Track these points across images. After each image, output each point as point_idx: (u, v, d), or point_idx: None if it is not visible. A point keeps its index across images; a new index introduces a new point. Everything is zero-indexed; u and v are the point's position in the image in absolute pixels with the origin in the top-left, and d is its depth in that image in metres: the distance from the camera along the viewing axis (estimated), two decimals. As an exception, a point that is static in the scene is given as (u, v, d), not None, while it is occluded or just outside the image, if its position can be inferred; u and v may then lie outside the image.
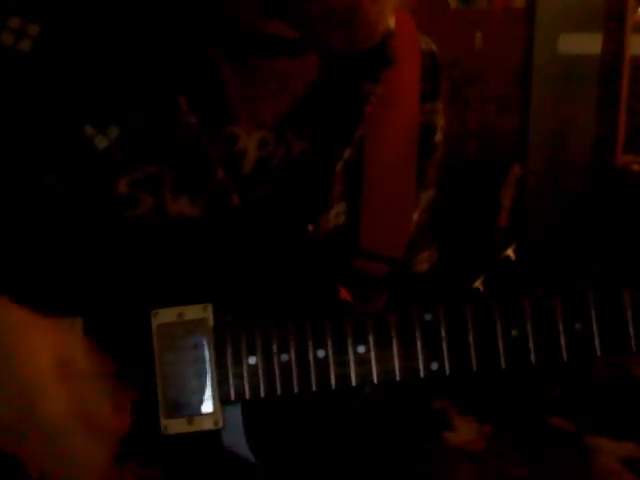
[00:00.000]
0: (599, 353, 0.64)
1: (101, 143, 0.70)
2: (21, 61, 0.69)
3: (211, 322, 0.67)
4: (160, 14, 0.71)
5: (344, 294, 0.72)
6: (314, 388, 0.65)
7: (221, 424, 0.66)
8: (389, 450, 0.90)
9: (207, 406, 0.66)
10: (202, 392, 0.66)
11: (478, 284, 1.03)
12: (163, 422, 0.66)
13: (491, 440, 2.31)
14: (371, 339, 0.65)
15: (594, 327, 0.64)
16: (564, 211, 3.42)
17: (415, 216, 0.89)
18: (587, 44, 3.35)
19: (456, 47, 3.47)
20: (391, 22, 0.79)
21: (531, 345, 0.64)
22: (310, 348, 0.65)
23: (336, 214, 0.79)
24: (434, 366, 0.65)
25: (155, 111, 0.70)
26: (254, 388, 0.65)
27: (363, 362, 0.65)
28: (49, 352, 0.61)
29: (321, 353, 0.65)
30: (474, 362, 0.65)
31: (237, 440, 0.67)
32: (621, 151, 3.41)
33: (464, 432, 2.32)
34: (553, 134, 3.47)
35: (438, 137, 0.89)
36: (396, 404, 0.91)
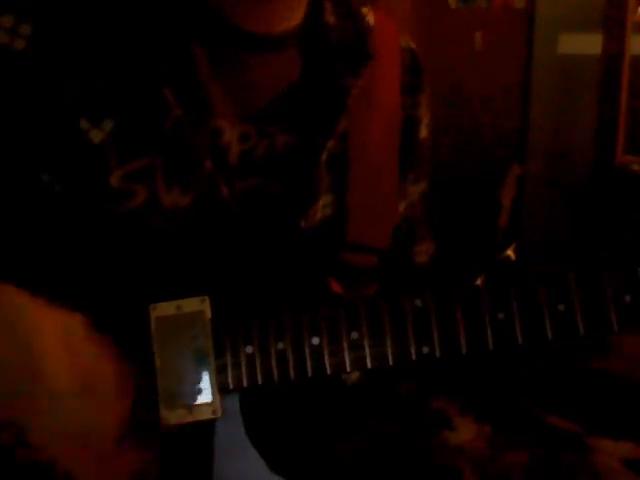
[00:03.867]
0: (582, 332, 0.66)
1: (96, 137, 0.71)
2: (16, 59, 0.70)
3: (208, 314, 0.67)
4: (146, 7, 0.72)
5: (334, 286, 0.73)
6: (310, 374, 0.66)
7: (220, 413, 0.66)
8: (389, 448, 0.91)
9: (206, 396, 0.67)
10: (201, 382, 0.67)
11: (478, 283, 1.04)
12: (163, 412, 0.66)
13: (491, 439, 2.31)
14: (364, 325, 0.67)
15: (576, 308, 0.66)
16: (564, 211, 3.43)
17: (401, 207, 0.91)
18: (587, 44, 3.36)
19: (456, 47, 3.48)
20: (370, 20, 0.83)
21: (517, 327, 0.66)
22: (305, 335, 0.66)
23: (323, 206, 0.80)
24: (425, 350, 0.66)
25: (143, 103, 0.71)
26: (252, 376, 0.66)
27: (357, 347, 0.66)
28: (51, 327, 0.63)
29: (316, 340, 0.66)
30: (463, 345, 0.66)
31: (235, 429, 0.68)
32: (621, 151, 3.41)
33: (464, 431, 2.33)
34: (553, 134, 3.48)
35: (423, 131, 0.91)
36: (396, 402, 0.92)
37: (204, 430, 0.67)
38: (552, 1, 3.38)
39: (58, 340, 0.63)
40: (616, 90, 3.35)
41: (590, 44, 3.36)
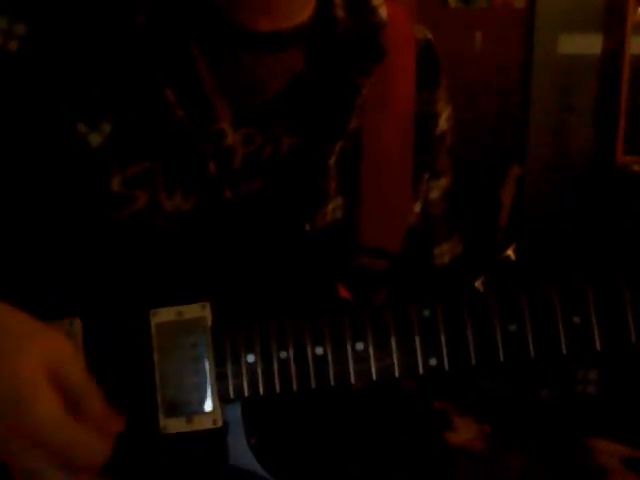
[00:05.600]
0: (599, 347, 0.63)
1: (95, 141, 0.69)
2: (9, 62, 0.69)
3: (209, 321, 0.66)
4: (144, 6, 0.71)
5: (343, 292, 0.72)
6: (313, 385, 0.65)
7: (220, 423, 0.65)
8: (390, 448, 0.90)
9: (206, 405, 0.66)
10: (201, 391, 0.65)
11: (478, 284, 1.02)
12: (162, 421, 0.65)
13: (491, 440, 2.31)
14: (369, 336, 0.65)
15: (593, 321, 0.63)
16: (564, 211, 3.42)
17: (416, 208, 0.88)
18: (587, 44, 3.35)
19: (456, 47, 3.47)
20: (383, 13, 0.79)
21: (530, 339, 0.64)
22: (309, 345, 0.65)
23: (333, 209, 0.78)
24: (433, 362, 0.64)
25: (144, 105, 0.70)
26: (253, 386, 0.65)
27: (362, 359, 0.65)
28: (42, 359, 0.60)
29: (320, 350, 0.65)
30: (473, 357, 0.64)
31: (237, 439, 0.66)
32: (621, 151, 3.41)
33: (464, 432, 2.31)
34: (553, 134, 3.47)
35: (443, 125, 0.87)
36: (398, 403, 0.91)
37: (216, 439, 0.66)
38: (552, 1, 3.37)
39: (46, 369, 0.60)
40: (616, 90, 3.35)
41: (590, 44, 3.35)
